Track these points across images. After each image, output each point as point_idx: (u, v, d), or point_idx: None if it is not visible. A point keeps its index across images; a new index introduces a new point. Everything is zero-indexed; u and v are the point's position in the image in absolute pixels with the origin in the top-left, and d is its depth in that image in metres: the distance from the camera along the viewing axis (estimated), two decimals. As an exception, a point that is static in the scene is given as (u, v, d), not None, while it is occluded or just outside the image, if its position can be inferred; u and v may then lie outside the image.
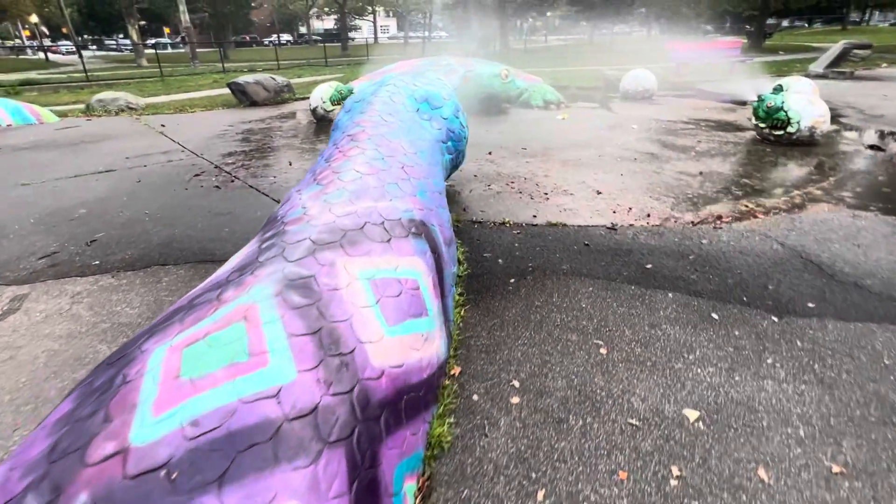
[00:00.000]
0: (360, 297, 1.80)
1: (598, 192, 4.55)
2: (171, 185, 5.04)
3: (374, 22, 49.80)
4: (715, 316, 2.56)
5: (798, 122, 6.17)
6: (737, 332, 2.42)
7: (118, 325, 2.59)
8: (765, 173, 5.10)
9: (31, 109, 8.93)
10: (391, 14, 65.79)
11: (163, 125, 8.35)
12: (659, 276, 2.97)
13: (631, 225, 3.83)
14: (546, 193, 4.54)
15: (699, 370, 2.16)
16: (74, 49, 38.23)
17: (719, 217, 3.97)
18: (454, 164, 4.38)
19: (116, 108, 9.77)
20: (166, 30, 48.06)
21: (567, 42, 44.12)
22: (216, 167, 5.67)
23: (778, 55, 20.67)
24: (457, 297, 2.72)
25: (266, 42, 50.84)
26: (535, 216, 4.01)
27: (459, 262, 3.16)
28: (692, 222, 3.87)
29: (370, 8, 48.19)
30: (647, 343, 2.34)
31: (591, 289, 2.83)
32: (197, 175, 5.36)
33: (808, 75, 13.67)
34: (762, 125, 6.44)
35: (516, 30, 45.41)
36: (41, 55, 36.03)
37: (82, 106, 10.13)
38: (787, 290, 2.79)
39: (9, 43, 45.34)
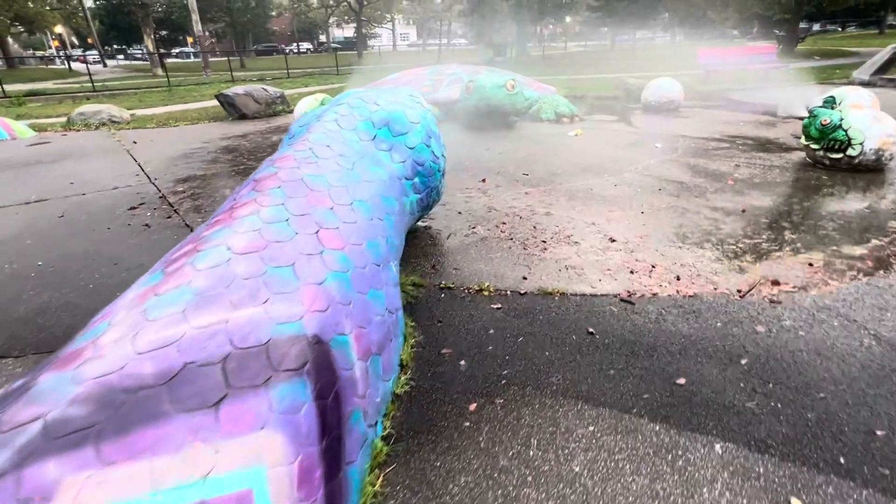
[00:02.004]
0: None
1: (612, 240, 3.51)
2: (95, 221, 4.18)
3: (393, 30, 49.29)
4: None
5: (861, 144, 5.02)
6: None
7: None
8: (826, 211, 3.98)
9: (4, 124, 8.29)
10: (411, 22, 65.48)
11: (135, 142, 7.59)
12: (698, 403, 1.93)
13: (654, 295, 2.79)
14: (544, 241, 3.53)
15: None
16: (99, 59, 38.63)
17: (776, 283, 2.90)
18: (425, 205, 3.41)
19: (98, 122, 9.09)
20: (189, 39, 48.35)
21: (587, 48, 42.85)
22: (161, 197, 4.80)
23: (814, 60, 19.15)
24: (378, 446, 1.73)
25: (287, 50, 50.79)
26: (525, 278, 3.00)
27: (402, 366, 2.17)
28: (739, 291, 2.81)
29: (388, 16, 47.77)
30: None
31: (591, 429, 1.81)
32: (133, 208, 4.50)
33: (851, 83, 12.31)
34: (815, 146, 5.30)
35: (536, 36, 44.29)
36: (70, 64, 36.41)
37: (65, 119, 9.48)
38: (906, 440, 1.73)
39: (39, 53, 46.25)
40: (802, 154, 5.76)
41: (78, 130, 8.78)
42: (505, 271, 3.09)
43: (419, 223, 3.87)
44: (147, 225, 4.07)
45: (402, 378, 2.09)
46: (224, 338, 1.39)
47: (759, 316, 2.55)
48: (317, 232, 2.01)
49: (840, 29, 46.26)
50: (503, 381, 2.07)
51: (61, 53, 39.10)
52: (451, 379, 2.10)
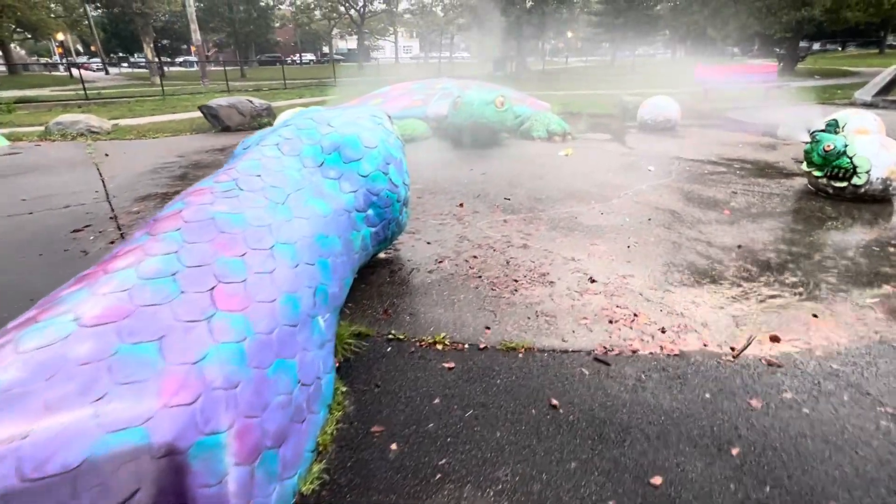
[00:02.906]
0: None
1: (592, 280, 3.12)
2: (30, 245, 3.81)
3: (396, 42, 49.37)
4: None
5: (867, 173, 4.64)
6: None
7: None
8: (830, 249, 3.60)
9: (-24, 133, 7.96)
10: (414, 34, 65.73)
11: (107, 154, 7.25)
12: (676, 514, 1.54)
13: (634, 353, 2.40)
14: (517, 280, 3.14)
15: None
16: (102, 66, 38.61)
17: (775, 339, 2.51)
18: (381, 239, 3.03)
19: (75, 133, 8.77)
20: (193, 48, 48.45)
21: (588, 64, 42.79)
22: (112, 218, 4.44)
23: (814, 79, 18.89)
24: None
25: (289, 61, 50.88)
26: (488, 328, 2.61)
27: (318, 451, 1.78)
28: (732, 350, 2.42)
29: (391, 29, 47.86)
30: None
31: (538, 554, 1.41)
32: (78, 230, 4.13)
33: (853, 103, 12.00)
34: (818, 174, 4.93)
35: (538, 50, 44.29)
36: (71, 71, 36.35)
37: (42, 129, 9.17)
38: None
39: (43, 59, 46.37)
40: (804, 181, 5.39)
41: (53, 141, 8.45)
42: (467, 318, 2.71)
43: (381, 255, 3.49)
44: (85, 252, 3.69)
45: (315, 468, 1.69)
46: (10, 464, 1.00)
47: (755, 384, 2.15)
48: (212, 289, 1.63)
49: (840, 48, 46.22)
50: (437, 476, 1.67)
51: (63, 60, 39.14)
52: (374, 471, 1.70)
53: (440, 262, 3.42)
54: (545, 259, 3.45)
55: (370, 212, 2.85)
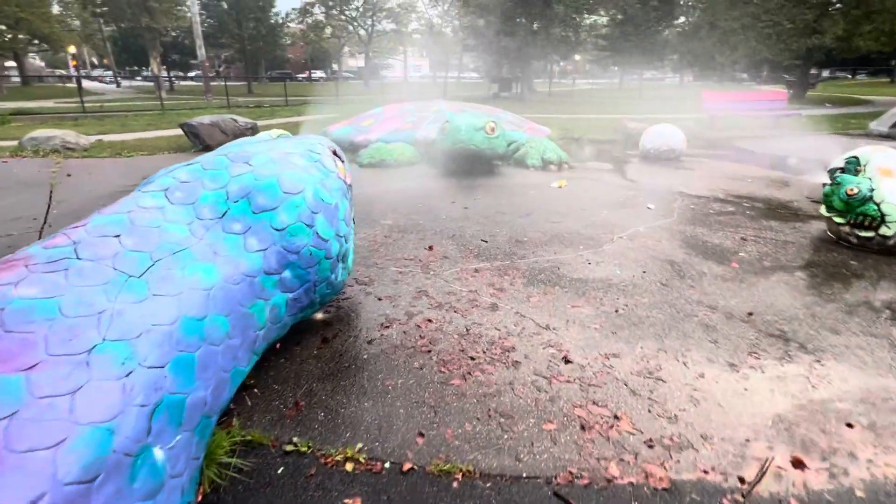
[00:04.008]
0: None
1: (567, 361, 2.51)
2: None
3: (405, 62, 49.51)
4: None
5: (898, 222, 4.02)
6: None
7: None
8: (860, 319, 2.96)
9: (-58, 148, 7.54)
10: (424, 54, 66.20)
11: (69, 175, 6.77)
12: None
13: (609, 483, 1.77)
14: (473, 357, 2.53)
15: None
16: (114, 79, 38.92)
17: (798, 463, 1.87)
18: (305, 305, 2.44)
19: (49, 149, 8.33)
20: (207, 64, 48.87)
21: (595, 86, 42.58)
22: (33, 254, 3.89)
23: (825, 107, 18.30)
24: None
25: (300, 78, 51.12)
26: (422, 435, 2.00)
27: None
28: (741, 482, 1.79)
29: (400, 48, 48.07)
30: None
31: None
32: (-15, 269, 3.58)
33: (868, 134, 11.38)
34: (839, 220, 4.30)
35: (546, 72, 44.15)
36: (83, 83, 36.58)
37: (16, 143, 8.75)
38: None
39: (58, 72, 46.91)
40: (821, 225, 4.77)
41: (24, 157, 8.01)
42: (398, 417, 2.09)
43: (318, 315, 2.90)
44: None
45: None
46: None
47: (775, 553, 1.52)
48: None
49: (850, 76, 45.70)
50: None
51: (74, 73, 39.47)
52: None
53: (387, 326, 2.82)
54: (514, 326, 2.83)
55: (286, 274, 2.26)
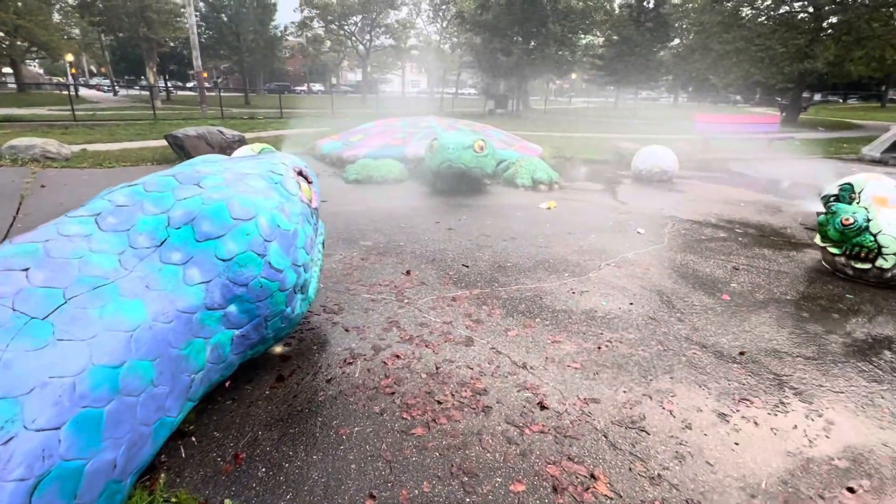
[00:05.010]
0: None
1: (542, 407, 2.29)
2: None
3: (403, 76, 49.83)
4: None
5: (895, 254, 3.85)
6: None
7: None
8: (858, 360, 2.76)
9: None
10: (423, 70, 66.78)
11: (43, 185, 6.54)
12: None
13: (580, 563, 1.54)
14: (440, 401, 2.30)
15: None
16: (111, 87, 38.83)
17: (795, 539, 1.65)
18: (255, 342, 2.22)
19: (28, 158, 8.11)
20: (203, 73, 49.00)
21: (591, 105, 42.89)
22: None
23: (818, 131, 18.37)
24: None
25: (298, 90, 51.27)
26: (372, 497, 1.76)
27: None
28: (731, 563, 1.56)
29: (399, 63, 48.40)
30: None
31: None
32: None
33: (861, 159, 11.35)
34: (834, 251, 4.13)
35: (543, 90, 44.47)
36: (80, 91, 36.52)
37: (-4, 152, 8.51)
38: None
39: (55, 79, 46.85)
40: (815, 254, 4.61)
41: (2, 165, 7.78)
42: (348, 475, 1.86)
43: (276, 349, 2.68)
44: None
45: None
46: None
47: None
48: None
49: (842, 100, 46.29)
50: None
51: (70, 82, 39.47)
52: None
53: (350, 362, 2.59)
54: (488, 364, 2.62)
55: (232, 309, 2.05)
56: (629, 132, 15.73)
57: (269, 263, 2.14)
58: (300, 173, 2.77)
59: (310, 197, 2.72)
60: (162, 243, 1.96)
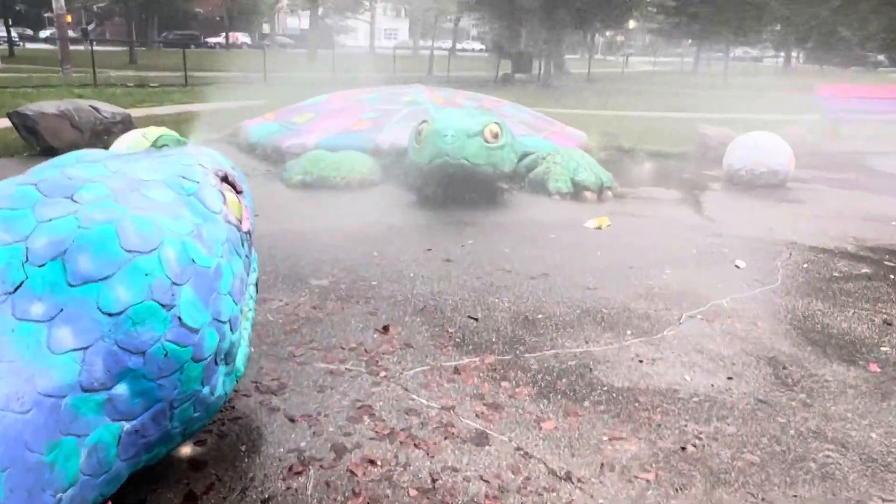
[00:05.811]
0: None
1: (597, 542, 2.31)
2: None
3: (372, 23, 50.96)
4: None
5: None
6: None
7: None
8: None
9: None
10: (403, 14, 68.43)
11: None
12: None
13: None
14: (439, 532, 2.32)
15: None
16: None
17: None
18: (157, 440, 2.25)
19: None
20: (67, 18, 49.91)
21: (657, 67, 43.92)
22: None
23: None
24: None
25: (211, 43, 52.30)
26: None
27: None
28: None
29: (367, 3, 49.54)
30: None
31: None
32: None
33: None
34: None
35: (584, 45, 45.61)
36: None
37: None
38: None
39: None
40: None
41: None
42: None
43: (183, 449, 2.69)
44: None
45: None
46: None
47: None
48: None
49: None
50: None
51: None
52: None
53: (297, 473, 2.60)
54: (512, 475, 2.64)
55: (121, 390, 2.07)
56: (717, 111, 16.13)
57: (179, 319, 2.18)
58: (225, 179, 2.84)
59: (239, 215, 2.78)
60: (16, 289, 1.99)
